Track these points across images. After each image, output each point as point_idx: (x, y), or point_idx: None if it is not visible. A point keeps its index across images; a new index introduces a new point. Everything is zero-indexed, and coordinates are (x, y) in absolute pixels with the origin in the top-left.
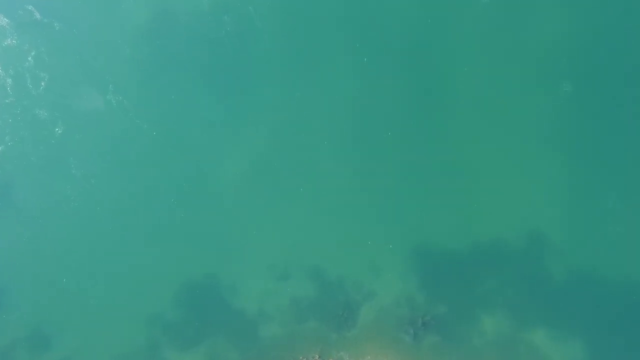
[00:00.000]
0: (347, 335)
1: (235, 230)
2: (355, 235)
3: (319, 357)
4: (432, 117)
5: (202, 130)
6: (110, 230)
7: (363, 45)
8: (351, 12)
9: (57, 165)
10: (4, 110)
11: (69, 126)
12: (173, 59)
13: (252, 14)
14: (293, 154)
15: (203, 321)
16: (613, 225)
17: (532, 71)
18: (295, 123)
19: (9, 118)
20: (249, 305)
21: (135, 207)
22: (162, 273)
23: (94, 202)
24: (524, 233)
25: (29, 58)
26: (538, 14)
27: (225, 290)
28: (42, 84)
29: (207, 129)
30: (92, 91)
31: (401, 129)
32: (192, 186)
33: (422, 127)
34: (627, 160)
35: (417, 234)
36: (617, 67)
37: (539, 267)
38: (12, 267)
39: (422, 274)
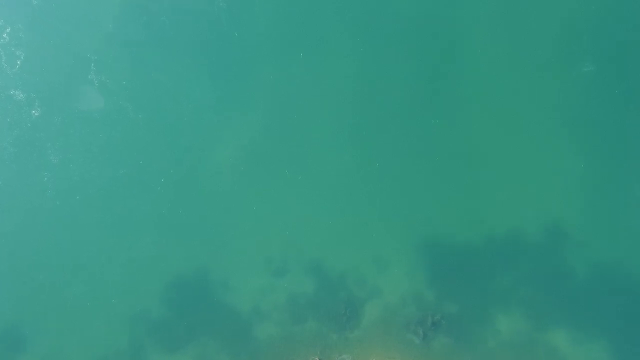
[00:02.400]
0: (349, 336)
1: (227, 221)
2: (358, 227)
3: (319, 359)
4: (442, 100)
5: (191, 114)
6: (90, 222)
7: (366, 22)
8: None
9: (33, 151)
10: None
11: (47, 108)
12: (160, 36)
13: None
14: (290, 139)
15: (192, 320)
16: (638, 216)
17: (551, 50)
18: (293, 106)
19: None
20: (242, 303)
21: (119, 196)
22: (147, 268)
23: (73, 191)
24: (542, 225)
25: (4, 35)
26: None
27: (216, 287)
28: (18, 62)
29: (197, 112)
30: (72, 71)
31: (408, 112)
32: (181, 174)
33: (430, 110)
34: None
35: (426, 225)
36: None
37: (558, 262)
38: None
39: (431, 270)
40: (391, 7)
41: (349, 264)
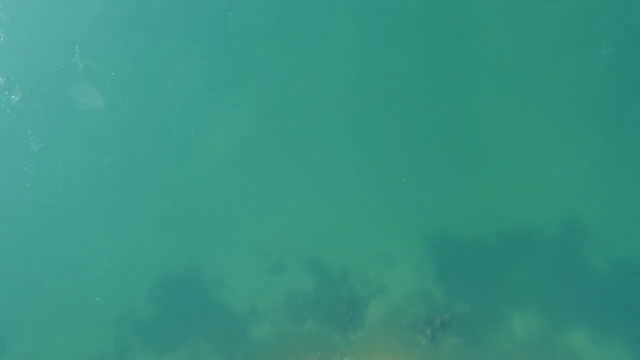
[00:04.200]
0: (351, 337)
1: (221, 214)
2: (361, 220)
3: None
4: (450, 84)
5: (183, 100)
6: (74, 215)
7: (369, 2)
8: None
9: (12, 139)
10: None
11: (28, 93)
12: (150, 17)
13: None
14: (289, 126)
15: (183, 320)
16: None
17: (566, 30)
18: (292, 92)
19: None
20: (237, 302)
21: (104, 187)
22: (134, 264)
23: (55, 182)
24: (558, 218)
25: None
26: None
27: (209, 285)
28: None
29: (189, 98)
30: (55, 53)
31: (414, 99)
32: (171, 164)
33: (438, 95)
34: None
35: (434, 219)
36: None
37: (575, 258)
38: None
39: (440, 266)
40: None
41: (351, 260)
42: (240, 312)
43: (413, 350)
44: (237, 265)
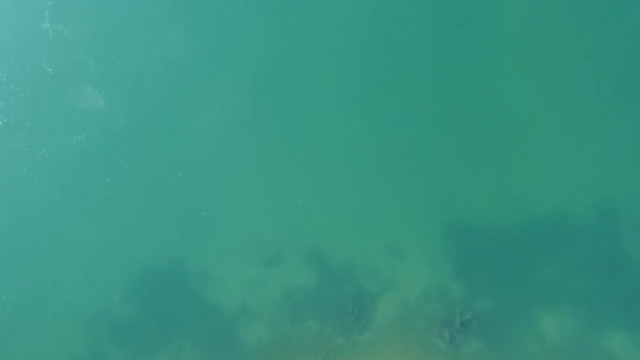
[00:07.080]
0: (358, 339)
1: (209, 199)
2: (369, 206)
3: None
4: (470, 54)
5: (165, 71)
6: (40, 199)
7: None
8: None
9: None
10: None
11: None
12: None
13: None
14: (287, 101)
15: (165, 321)
16: None
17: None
18: (290, 61)
19: None
20: (227, 299)
21: (75, 169)
22: (110, 255)
23: (19, 162)
24: (593, 204)
25: None
26: None
27: (194, 279)
28: None
29: (173, 69)
30: (23, 18)
31: (429, 71)
32: (152, 142)
33: (455, 69)
34: None
35: (452, 205)
36: None
37: (613, 250)
38: None
39: (459, 258)
40: None
41: (357, 252)
42: (231, 310)
43: (429, 355)
44: (227, 258)
